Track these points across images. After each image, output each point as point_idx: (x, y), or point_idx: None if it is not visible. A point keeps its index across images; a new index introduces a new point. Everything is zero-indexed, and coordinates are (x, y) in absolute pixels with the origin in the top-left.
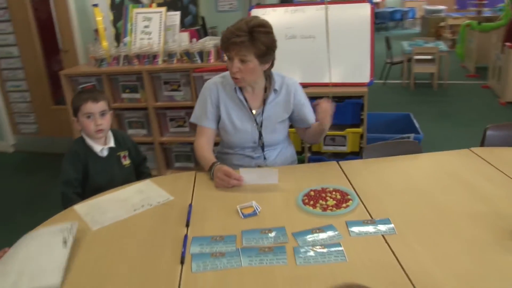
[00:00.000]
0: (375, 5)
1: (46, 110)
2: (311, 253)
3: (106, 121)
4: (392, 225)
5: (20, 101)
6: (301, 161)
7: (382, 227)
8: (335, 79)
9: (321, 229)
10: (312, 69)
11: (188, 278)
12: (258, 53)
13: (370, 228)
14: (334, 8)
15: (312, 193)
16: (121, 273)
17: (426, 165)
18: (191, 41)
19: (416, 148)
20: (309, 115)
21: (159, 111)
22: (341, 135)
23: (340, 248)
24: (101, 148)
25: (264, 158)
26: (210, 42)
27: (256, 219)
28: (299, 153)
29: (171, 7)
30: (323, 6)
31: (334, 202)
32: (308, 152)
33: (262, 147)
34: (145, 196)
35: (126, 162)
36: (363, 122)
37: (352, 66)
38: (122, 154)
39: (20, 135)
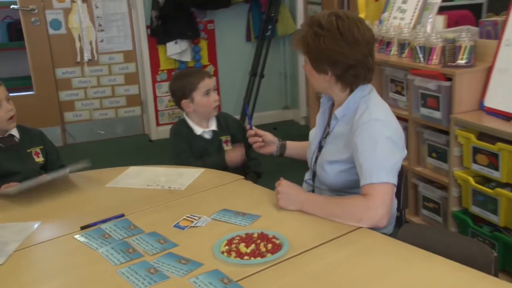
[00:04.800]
0: None
1: None
2: (139, 270)
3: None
4: None
5: None
6: None
7: None
8: None
9: (188, 261)
10: None
11: (64, 238)
12: (308, 54)
13: (213, 285)
14: None
15: (255, 235)
16: (50, 212)
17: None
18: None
19: (483, 258)
20: (360, 169)
21: None
22: None
23: (159, 280)
24: (202, 130)
25: (313, 190)
26: (441, 36)
27: (178, 232)
28: None
29: None
30: None
31: (249, 251)
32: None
33: (313, 177)
34: (173, 179)
35: (228, 147)
36: None
37: None
38: (224, 138)
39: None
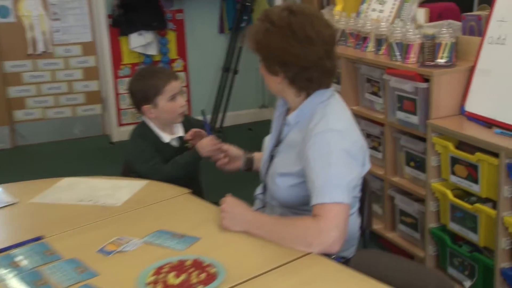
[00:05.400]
0: None
1: None
2: None
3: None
4: None
5: None
6: None
7: None
8: None
9: None
10: None
11: None
12: (259, 53)
13: None
14: None
15: (189, 262)
16: None
17: None
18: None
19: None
20: (311, 186)
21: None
22: None
23: None
24: (169, 138)
25: (263, 206)
26: (420, 31)
27: (101, 258)
28: None
29: None
30: None
31: (178, 282)
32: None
33: (264, 190)
34: (110, 193)
35: None
36: None
37: None
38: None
39: None
